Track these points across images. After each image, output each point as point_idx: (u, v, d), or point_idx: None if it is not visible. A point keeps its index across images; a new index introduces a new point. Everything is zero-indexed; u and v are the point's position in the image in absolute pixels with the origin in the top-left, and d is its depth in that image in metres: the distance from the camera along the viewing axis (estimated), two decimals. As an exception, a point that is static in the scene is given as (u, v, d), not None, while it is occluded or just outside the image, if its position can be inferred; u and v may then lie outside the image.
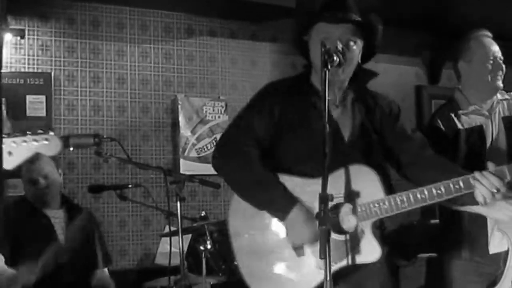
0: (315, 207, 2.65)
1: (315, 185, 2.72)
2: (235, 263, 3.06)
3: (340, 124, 3.03)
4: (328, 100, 2.70)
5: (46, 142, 2.20)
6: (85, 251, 4.40)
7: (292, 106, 3.03)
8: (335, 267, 2.81)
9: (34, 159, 4.27)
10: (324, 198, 2.55)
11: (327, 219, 2.53)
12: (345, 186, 2.85)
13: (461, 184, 2.79)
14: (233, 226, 3.07)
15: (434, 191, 2.79)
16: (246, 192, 2.99)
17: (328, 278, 2.54)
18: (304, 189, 2.91)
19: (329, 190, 2.57)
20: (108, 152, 3.84)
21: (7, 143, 2.16)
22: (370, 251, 2.86)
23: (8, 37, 5.67)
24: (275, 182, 2.95)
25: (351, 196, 2.85)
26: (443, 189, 2.79)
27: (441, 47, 7.53)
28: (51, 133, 2.21)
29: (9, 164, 2.17)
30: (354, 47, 2.96)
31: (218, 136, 6.52)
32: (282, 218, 2.90)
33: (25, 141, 2.16)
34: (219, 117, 6.56)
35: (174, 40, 6.49)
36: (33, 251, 4.07)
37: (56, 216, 4.39)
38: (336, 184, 2.79)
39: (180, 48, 6.51)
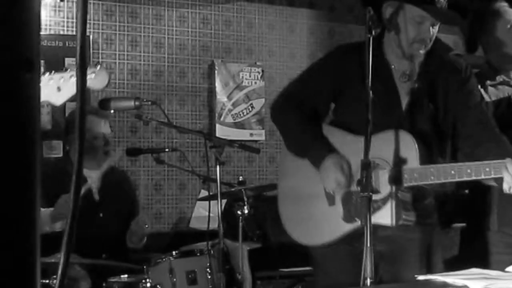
0: (352, 162, 2.94)
1: (359, 143, 2.81)
2: (278, 203, 3.20)
3: (400, 92, 3.06)
4: (394, 67, 2.96)
5: (93, 75, 2.16)
6: (122, 210, 4.43)
7: (357, 70, 3.05)
8: (357, 223, 2.92)
9: (102, 115, 4.30)
10: (366, 164, 2.57)
11: (369, 186, 2.55)
12: (389, 150, 2.89)
13: (491, 169, 2.79)
14: (281, 167, 3.32)
15: (464, 169, 2.80)
16: (290, 139, 3.20)
17: (368, 245, 2.56)
18: (348, 144, 3.03)
19: (374, 151, 2.64)
20: (148, 116, 3.85)
21: (56, 78, 2.14)
22: (398, 215, 2.89)
23: (48, 0, 5.69)
24: (316, 131, 3.12)
25: (396, 161, 2.88)
26: (473, 170, 2.79)
27: (480, 15, 7.42)
28: (98, 66, 2.17)
29: (59, 99, 2.15)
30: (437, 29, 3.07)
31: (254, 102, 6.52)
32: (318, 164, 3.03)
33: (73, 76, 2.11)
34: (255, 83, 6.55)
35: (212, 5, 6.47)
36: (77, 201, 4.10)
37: (91, 176, 4.40)
38: (375, 145, 2.82)
39: (217, 13, 6.49)
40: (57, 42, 5.78)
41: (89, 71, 2.12)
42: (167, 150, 4.77)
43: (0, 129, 0.71)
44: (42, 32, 5.69)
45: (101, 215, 4.26)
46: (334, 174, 2.96)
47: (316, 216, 3.09)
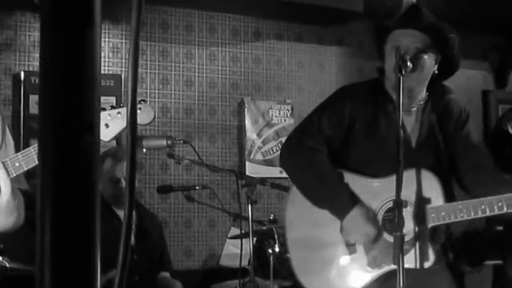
0: (373, 206, 2.88)
1: (377, 184, 2.88)
2: (287, 254, 3.12)
3: (408, 129, 3.05)
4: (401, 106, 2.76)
5: (139, 111, 2.24)
6: (153, 252, 4.45)
7: (364, 110, 3.06)
8: (384, 269, 2.89)
9: (119, 159, 4.34)
10: (398, 204, 2.56)
11: (402, 226, 2.55)
12: (413, 190, 2.87)
13: (504, 203, 2.76)
14: (289, 217, 3.18)
15: (495, 202, 2.78)
16: (308, 188, 3.08)
17: (401, 285, 2.55)
18: (366, 188, 2.98)
19: (390, 192, 2.62)
20: (179, 154, 3.88)
21: (103, 116, 2.23)
22: (424, 256, 2.86)
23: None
24: (338, 179, 3.02)
25: (419, 201, 2.86)
26: (486, 206, 2.77)
27: (509, 50, 7.41)
28: (144, 103, 2.26)
29: (107, 136, 2.24)
30: (426, 57, 2.96)
31: (284, 139, 6.53)
32: (342, 216, 2.95)
33: (119, 113, 2.21)
34: (285, 120, 6.58)
35: (241, 43, 6.54)
36: (103, 252, 4.13)
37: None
38: (393, 186, 2.80)
39: (247, 51, 6.55)
40: (114, 83, 5.89)
41: None
42: (197, 188, 4.79)
43: (64, 188, 0.75)
44: (101, 72, 5.80)
45: (134, 257, 4.27)
46: (363, 228, 2.91)
47: (335, 265, 3.02)
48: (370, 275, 2.94)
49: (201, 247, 6.18)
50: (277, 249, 4.15)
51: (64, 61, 0.75)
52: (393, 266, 2.85)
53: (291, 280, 4.81)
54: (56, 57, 0.75)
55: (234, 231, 5.50)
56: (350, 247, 2.99)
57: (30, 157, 2.27)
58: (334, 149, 3.10)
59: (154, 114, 2.30)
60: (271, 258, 4.22)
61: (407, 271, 2.84)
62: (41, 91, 0.76)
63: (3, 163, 2.25)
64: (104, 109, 2.25)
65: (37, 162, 2.24)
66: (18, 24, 5.79)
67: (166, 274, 4.61)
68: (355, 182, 3.01)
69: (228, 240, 5.96)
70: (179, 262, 5.95)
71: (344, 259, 3.00)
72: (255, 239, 5.15)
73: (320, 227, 3.04)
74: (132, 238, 4.35)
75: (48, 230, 0.74)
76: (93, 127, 0.76)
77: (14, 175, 2.27)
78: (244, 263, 3.91)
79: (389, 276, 2.85)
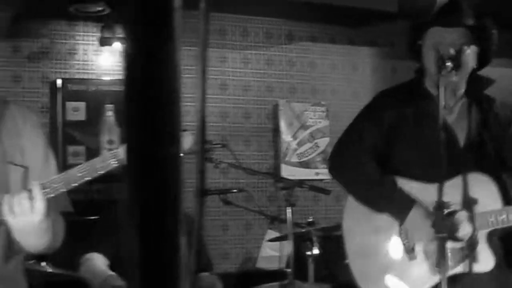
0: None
1: (429, 190, 2.78)
2: (347, 261, 3.11)
3: (455, 129, 3.00)
4: (443, 105, 2.72)
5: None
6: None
7: (405, 112, 3.03)
8: (447, 273, 2.80)
9: None
10: (440, 205, 2.54)
11: (443, 227, 2.53)
12: (462, 194, 2.83)
13: None
14: (346, 226, 3.14)
15: None
16: (365, 197, 3.06)
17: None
18: (420, 193, 2.93)
19: (445, 198, 2.57)
20: (217, 158, 3.91)
21: None
22: (484, 260, 2.83)
23: (116, 45, 5.84)
24: (392, 184, 2.99)
25: (467, 204, 2.82)
26: None
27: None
28: (184, 131, 2.31)
29: None
30: (468, 52, 2.92)
31: (319, 141, 6.54)
32: (402, 217, 2.93)
33: None
34: (320, 122, 6.57)
35: (275, 46, 6.55)
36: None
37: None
38: (452, 192, 2.77)
39: (281, 54, 6.56)
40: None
41: None
42: (234, 191, 4.80)
43: (151, 200, 0.79)
44: (113, 78, 5.83)
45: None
46: (424, 226, 2.86)
47: (394, 272, 2.99)
48: (430, 280, 2.89)
49: (237, 250, 6.20)
50: (316, 252, 4.14)
51: (147, 76, 0.77)
52: (455, 270, 2.84)
53: (329, 282, 4.81)
54: (139, 72, 0.77)
55: (271, 233, 5.50)
56: (410, 253, 2.96)
57: (69, 179, 2.30)
58: (379, 156, 3.08)
59: (192, 141, 2.34)
60: (309, 260, 4.22)
61: (463, 276, 2.82)
62: (126, 108, 0.79)
63: (42, 184, 2.27)
64: None
65: (75, 184, 2.27)
66: (53, 32, 5.86)
67: (206, 274, 4.62)
68: (405, 186, 2.98)
69: (264, 242, 5.97)
70: (216, 265, 5.97)
71: (404, 265, 2.97)
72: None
73: (378, 233, 3.02)
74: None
75: (137, 240, 0.77)
76: (176, 138, 0.79)
77: (52, 195, 2.29)
78: (281, 265, 3.91)
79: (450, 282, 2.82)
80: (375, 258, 3.02)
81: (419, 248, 2.93)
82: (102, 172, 2.31)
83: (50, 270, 4.06)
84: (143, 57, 0.78)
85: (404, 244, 2.96)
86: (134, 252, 0.77)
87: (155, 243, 0.78)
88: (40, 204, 2.23)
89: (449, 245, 2.79)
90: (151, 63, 0.78)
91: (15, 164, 2.48)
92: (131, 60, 0.78)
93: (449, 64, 2.78)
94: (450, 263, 2.78)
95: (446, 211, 2.61)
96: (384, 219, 2.99)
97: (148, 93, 0.78)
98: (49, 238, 2.36)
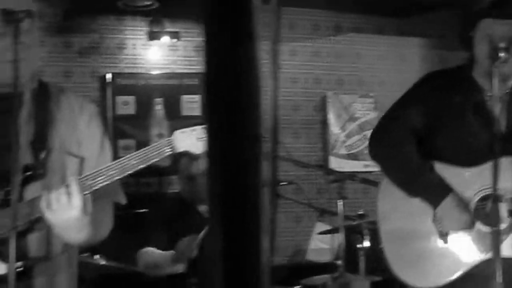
0: (465, 195, 2.86)
1: (468, 174, 2.85)
2: (381, 246, 3.11)
3: (499, 117, 2.99)
4: (490, 93, 2.82)
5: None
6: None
7: (450, 97, 3.02)
8: (479, 258, 2.86)
9: (196, 156, 4.38)
10: (496, 197, 2.52)
11: (499, 220, 2.51)
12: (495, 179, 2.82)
13: None
14: (381, 209, 3.15)
15: None
16: (401, 179, 3.06)
17: (499, 276, 2.51)
18: (457, 177, 2.95)
19: (482, 181, 2.62)
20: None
21: (197, 130, 2.30)
22: (507, 247, 2.81)
23: (165, 39, 5.88)
24: (430, 169, 3.00)
25: (506, 189, 2.81)
26: None
27: None
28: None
29: (199, 148, 2.36)
30: None
31: (368, 133, 6.49)
32: (435, 204, 2.94)
33: None
34: (368, 114, 6.54)
35: (322, 38, 6.52)
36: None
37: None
38: (486, 175, 2.75)
39: (328, 46, 6.53)
40: (173, 80, 5.95)
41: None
42: (284, 183, 4.80)
43: (234, 196, 0.80)
44: (158, 72, 5.88)
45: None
46: (458, 216, 2.89)
47: (428, 256, 3.00)
48: (463, 266, 2.91)
49: (287, 243, 6.20)
50: (367, 244, 4.13)
51: (228, 73, 0.78)
52: (487, 256, 2.83)
53: (381, 274, 4.79)
54: (220, 69, 0.78)
55: (320, 225, 5.49)
56: (444, 238, 2.97)
57: (123, 167, 2.30)
58: (421, 139, 3.08)
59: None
60: (360, 253, 4.20)
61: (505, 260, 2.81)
62: (208, 105, 0.80)
63: (98, 171, 2.28)
64: (199, 124, 2.32)
65: (129, 172, 2.28)
66: (103, 27, 5.93)
67: None
68: (445, 171, 2.99)
69: (314, 235, 5.96)
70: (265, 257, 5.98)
71: (438, 250, 2.98)
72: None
73: (413, 218, 3.03)
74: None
75: (220, 237, 0.78)
76: (260, 138, 0.80)
77: (107, 183, 2.29)
78: (331, 258, 3.90)
79: (479, 268, 2.81)
80: (410, 243, 3.04)
81: (454, 233, 2.94)
82: (156, 159, 2.31)
83: (103, 262, 4.11)
84: (223, 55, 0.78)
85: (438, 230, 2.97)
86: (215, 249, 0.77)
87: (237, 241, 0.78)
88: (77, 200, 2.23)
89: (482, 228, 2.80)
90: (231, 61, 0.78)
91: (72, 155, 2.49)
92: (211, 58, 0.79)
93: (502, 55, 2.78)
94: (481, 248, 2.78)
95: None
96: (420, 204, 3.00)
97: (229, 94, 0.79)
98: (89, 232, 2.36)
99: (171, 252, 3.90)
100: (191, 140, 2.31)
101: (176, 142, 2.32)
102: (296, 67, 6.36)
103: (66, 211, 2.22)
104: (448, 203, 2.91)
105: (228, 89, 0.79)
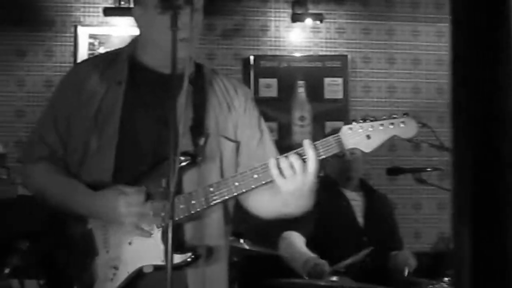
0: None
1: None
2: None
3: None
4: None
5: (402, 125, 2.25)
6: (383, 233, 4.39)
7: None
8: None
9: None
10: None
11: None
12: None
13: None
14: None
15: None
16: None
17: None
18: None
19: None
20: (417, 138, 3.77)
21: (365, 127, 2.22)
22: None
23: (308, 21, 5.83)
24: None
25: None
26: None
27: None
28: (407, 117, 2.25)
29: (368, 147, 2.25)
30: None
31: None
32: None
33: (382, 125, 2.23)
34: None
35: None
36: (334, 232, 4.14)
37: (356, 199, 4.41)
38: None
39: (477, 26, 6.26)
40: (316, 63, 5.90)
41: (398, 121, 2.25)
42: (429, 169, 4.65)
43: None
44: (302, 54, 5.84)
45: (364, 239, 4.23)
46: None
47: None
48: None
49: (430, 230, 6.04)
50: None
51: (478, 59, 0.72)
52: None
53: None
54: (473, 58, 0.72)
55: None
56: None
57: (329, 146, 2.24)
58: None
59: (418, 127, 2.27)
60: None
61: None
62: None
63: (314, 144, 2.21)
64: (365, 120, 2.24)
65: (334, 152, 2.22)
66: (246, 9, 5.94)
67: (405, 252, 4.49)
68: None
69: (459, 223, 5.77)
70: (408, 245, 5.84)
71: None
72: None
73: None
74: (361, 221, 4.31)
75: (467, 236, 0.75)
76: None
77: (323, 157, 2.23)
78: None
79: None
80: None
81: None
82: (323, 157, 2.23)
83: (247, 247, 4.12)
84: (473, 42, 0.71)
85: None
86: (462, 247, 0.74)
87: (488, 240, 0.74)
88: (313, 164, 2.19)
89: None
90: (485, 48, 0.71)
91: (229, 139, 2.45)
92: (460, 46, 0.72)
93: None
94: None
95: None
96: None
97: (482, 87, 0.72)
98: (310, 200, 2.32)
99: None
100: (360, 137, 2.23)
101: (345, 139, 2.24)
102: (442, 49, 6.12)
103: (301, 177, 2.19)
104: None
105: (481, 80, 0.71)
